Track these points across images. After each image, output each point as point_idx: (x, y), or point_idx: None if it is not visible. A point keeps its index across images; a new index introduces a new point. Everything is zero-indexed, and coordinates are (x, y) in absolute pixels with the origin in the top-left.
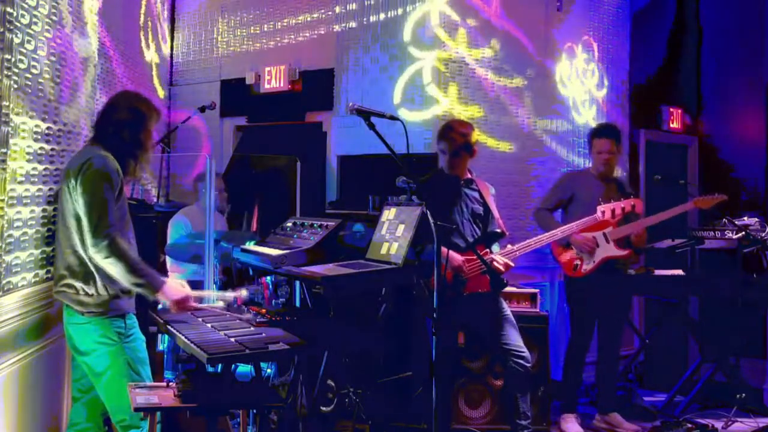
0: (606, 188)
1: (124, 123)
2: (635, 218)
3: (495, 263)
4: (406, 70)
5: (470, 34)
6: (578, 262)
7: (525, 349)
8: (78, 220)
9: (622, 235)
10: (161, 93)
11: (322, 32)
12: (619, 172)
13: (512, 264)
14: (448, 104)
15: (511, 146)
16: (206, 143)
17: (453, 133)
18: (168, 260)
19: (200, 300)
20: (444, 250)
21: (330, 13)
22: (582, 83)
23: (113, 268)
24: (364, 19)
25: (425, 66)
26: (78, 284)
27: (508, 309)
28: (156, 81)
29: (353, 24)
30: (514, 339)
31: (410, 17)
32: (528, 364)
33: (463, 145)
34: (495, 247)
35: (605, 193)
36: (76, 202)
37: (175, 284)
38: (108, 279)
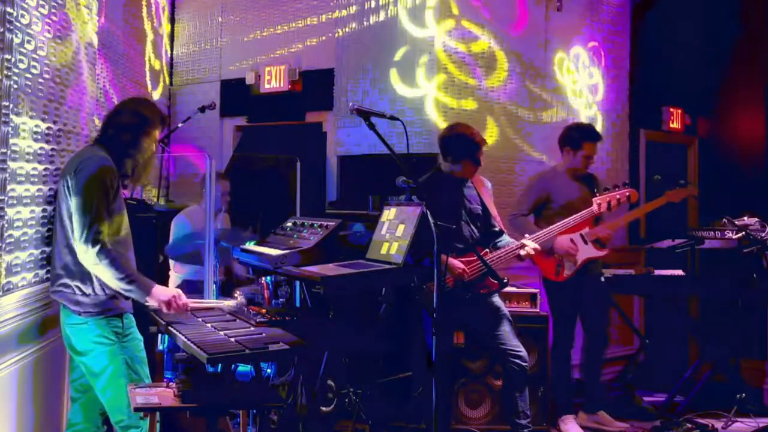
0: (579, 185)
1: (126, 126)
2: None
3: (526, 248)
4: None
5: (466, 30)
6: (560, 266)
7: (522, 349)
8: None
9: (600, 235)
10: (160, 93)
11: (323, 32)
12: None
13: (539, 248)
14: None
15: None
16: (206, 143)
17: (481, 145)
18: (171, 260)
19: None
20: (443, 257)
21: (330, 13)
22: (583, 81)
23: (101, 274)
24: (364, 19)
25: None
26: (74, 284)
27: (505, 308)
28: (158, 80)
29: (353, 24)
30: (511, 339)
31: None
32: (524, 364)
33: (482, 152)
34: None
35: (580, 190)
36: (70, 201)
37: (165, 288)
38: None
